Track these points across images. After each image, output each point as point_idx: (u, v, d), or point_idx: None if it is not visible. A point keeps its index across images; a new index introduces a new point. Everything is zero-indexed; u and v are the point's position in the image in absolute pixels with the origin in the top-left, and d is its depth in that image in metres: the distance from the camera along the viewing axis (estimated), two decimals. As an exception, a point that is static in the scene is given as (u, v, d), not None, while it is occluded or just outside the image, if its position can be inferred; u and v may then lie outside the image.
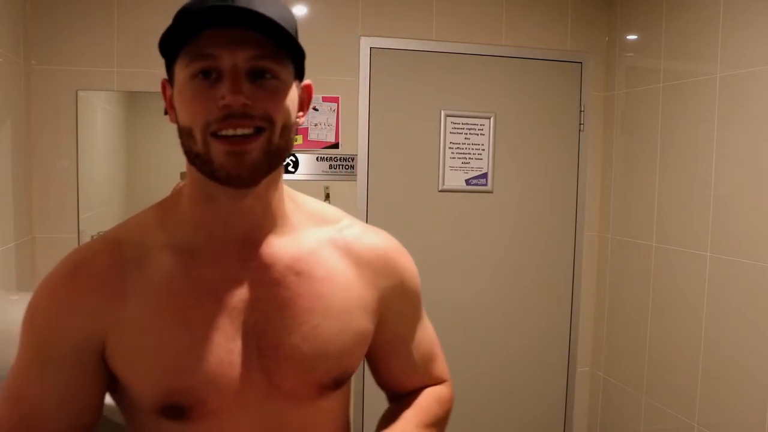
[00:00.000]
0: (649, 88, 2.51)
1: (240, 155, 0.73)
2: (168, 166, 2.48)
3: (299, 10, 2.47)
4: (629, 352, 2.63)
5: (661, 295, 2.45)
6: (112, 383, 0.81)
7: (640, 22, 2.58)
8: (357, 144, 2.55)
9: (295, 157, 2.47)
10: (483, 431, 2.77)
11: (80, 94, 2.30)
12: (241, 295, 0.80)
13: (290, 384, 0.80)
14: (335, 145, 2.52)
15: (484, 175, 2.70)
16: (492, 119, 2.69)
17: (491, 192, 2.71)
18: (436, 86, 2.63)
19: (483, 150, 2.69)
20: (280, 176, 0.83)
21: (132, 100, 2.40)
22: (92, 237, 2.39)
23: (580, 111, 2.78)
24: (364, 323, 0.86)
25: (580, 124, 2.78)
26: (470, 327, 2.70)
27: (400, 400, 0.98)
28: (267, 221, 0.83)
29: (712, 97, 2.18)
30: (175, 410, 0.77)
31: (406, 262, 0.94)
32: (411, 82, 2.61)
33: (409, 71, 2.60)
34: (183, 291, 0.78)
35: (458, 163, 2.67)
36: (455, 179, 2.67)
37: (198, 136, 0.74)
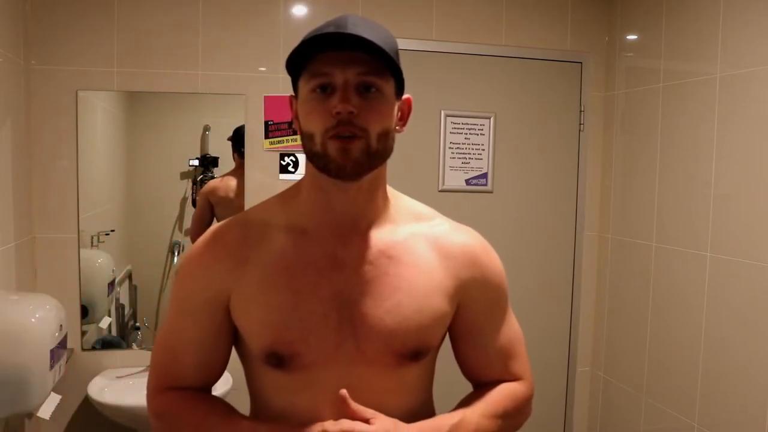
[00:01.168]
0: (649, 88, 2.51)
1: (346, 152, 0.90)
2: (168, 166, 2.48)
3: (299, 11, 2.47)
4: (629, 352, 2.63)
5: (661, 295, 2.45)
6: (236, 338, 1.01)
7: (640, 22, 2.58)
8: (357, 144, 2.54)
9: (296, 157, 2.47)
10: (483, 431, 2.77)
11: (80, 94, 2.30)
12: (339, 270, 0.96)
13: (373, 351, 0.95)
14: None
15: (484, 175, 2.70)
16: (492, 119, 2.69)
17: (491, 192, 2.71)
18: (436, 86, 2.63)
19: (483, 150, 2.69)
20: (382, 176, 1.00)
21: (132, 100, 2.40)
22: (92, 237, 2.39)
23: (580, 111, 2.78)
24: (442, 306, 0.99)
25: (580, 124, 2.78)
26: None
27: (476, 390, 1.08)
28: (368, 212, 0.99)
29: (712, 97, 2.18)
30: (276, 359, 0.94)
31: (489, 259, 1.07)
32: (411, 82, 2.56)
33: (409, 71, 2.55)
34: (292, 263, 0.96)
35: (458, 163, 2.67)
36: (455, 179, 2.67)
37: (318, 139, 0.91)
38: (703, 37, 2.22)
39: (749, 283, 2.03)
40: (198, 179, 2.47)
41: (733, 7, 2.10)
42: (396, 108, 0.98)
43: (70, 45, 2.28)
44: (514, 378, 1.09)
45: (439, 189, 2.66)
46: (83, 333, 2.38)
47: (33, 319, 1.69)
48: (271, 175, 2.46)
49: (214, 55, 2.38)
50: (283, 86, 2.42)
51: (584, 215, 2.82)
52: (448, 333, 1.07)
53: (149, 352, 2.34)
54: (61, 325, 1.81)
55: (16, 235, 2.08)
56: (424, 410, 1.04)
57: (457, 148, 2.66)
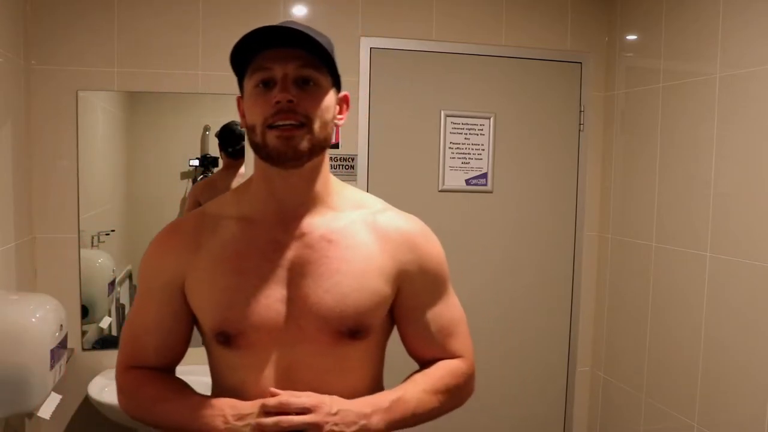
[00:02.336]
0: (649, 88, 2.51)
1: (287, 139, 0.97)
2: (168, 166, 2.48)
3: (299, 11, 2.47)
4: (629, 352, 2.63)
5: (661, 295, 2.45)
6: (195, 321, 1.09)
7: (640, 22, 2.58)
8: (357, 144, 2.55)
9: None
10: (483, 431, 2.77)
11: (80, 94, 2.30)
12: (283, 254, 1.03)
13: (313, 329, 1.01)
14: (335, 145, 2.52)
15: (484, 175, 2.70)
16: (492, 119, 2.69)
17: (491, 192, 2.71)
18: (436, 86, 2.63)
19: (483, 150, 2.69)
20: (322, 164, 1.06)
21: (132, 100, 2.40)
22: (92, 237, 2.39)
23: (580, 111, 2.78)
24: (380, 286, 1.05)
25: (580, 124, 2.78)
26: (470, 327, 2.70)
27: (419, 368, 1.14)
28: (310, 199, 1.06)
29: (712, 97, 2.18)
30: (224, 337, 1.02)
31: (428, 243, 1.12)
32: (411, 82, 2.61)
33: (409, 71, 2.60)
34: (239, 249, 1.04)
35: (458, 163, 2.67)
36: (455, 179, 2.67)
37: (258, 129, 0.98)
38: (703, 37, 2.22)
39: (749, 283, 2.03)
40: (198, 179, 2.47)
41: (733, 7, 2.10)
42: (335, 101, 1.05)
43: (70, 45, 2.28)
44: (454, 356, 1.15)
45: (439, 189, 2.66)
46: (83, 333, 2.38)
47: (33, 319, 1.69)
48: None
49: (214, 55, 2.38)
50: (283, 86, 2.41)
51: (584, 215, 2.82)
52: (393, 316, 1.12)
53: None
54: (61, 325, 1.81)
55: (16, 235, 2.08)
56: (369, 393, 1.07)
57: (457, 148, 2.66)
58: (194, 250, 1.06)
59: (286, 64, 0.97)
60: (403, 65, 2.59)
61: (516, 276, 2.77)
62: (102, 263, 2.44)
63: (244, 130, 1.07)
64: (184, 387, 1.09)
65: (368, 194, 1.17)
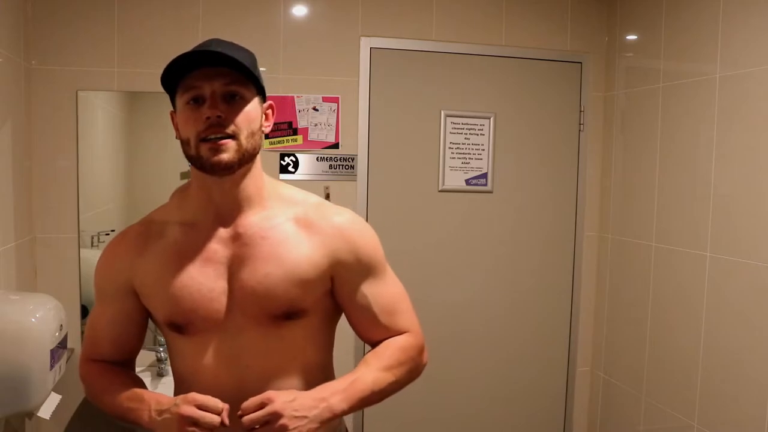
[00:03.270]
0: (648, 88, 2.51)
1: (218, 151, 1.07)
2: (168, 166, 2.48)
3: (299, 11, 2.47)
4: (629, 352, 2.63)
5: (661, 295, 2.45)
6: (150, 315, 1.22)
7: (640, 22, 2.58)
8: (357, 144, 2.55)
9: (296, 157, 2.47)
10: (483, 431, 2.77)
11: (80, 94, 2.30)
12: (221, 252, 1.15)
13: (252, 314, 1.13)
14: (335, 145, 2.52)
15: (484, 175, 2.70)
16: (492, 119, 2.69)
17: (491, 192, 2.71)
18: (436, 86, 2.63)
19: (483, 150, 2.69)
20: (252, 169, 1.15)
21: (132, 100, 2.40)
22: (92, 237, 2.39)
23: (580, 111, 2.78)
24: (311, 274, 1.15)
25: (580, 124, 2.78)
26: (470, 327, 2.70)
27: (371, 350, 1.22)
28: (243, 202, 1.16)
29: (711, 97, 2.18)
30: (175, 327, 1.15)
31: (358, 231, 1.21)
32: (411, 82, 2.61)
33: (409, 71, 2.60)
34: (182, 250, 1.15)
35: (458, 163, 2.67)
36: (455, 179, 2.67)
37: (192, 143, 1.09)
38: (703, 37, 2.22)
39: (749, 283, 2.03)
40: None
41: (733, 7, 2.10)
42: (261, 111, 1.14)
43: (70, 45, 2.28)
44: (401, 332, 1.22)
45: (439, 189, 2.66)
46: (83, 333, 2.38)
47: (33, 319, 1.69)
48: (271, 175, 2.44)
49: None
50: (283, 86, 2.42)
51: (584, 215, 2.82)
52: (339, 305, 1.23)
53: (150, 352, 2.34)
54: (61, 325, 1.81)
55: (16, 235, 2.08)
56: (318, 368, 1.21)
57: (457, 148, 2.66)
58: (141, 254, 1.17)
59: (213, 82, 1.07)
60: (403, 65, 2.59)
61: (516, 276, 2.77)
62: (102, 263, 2.43)
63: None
64: (128, 381, 1.20)
65: (302, 191, 1.25)
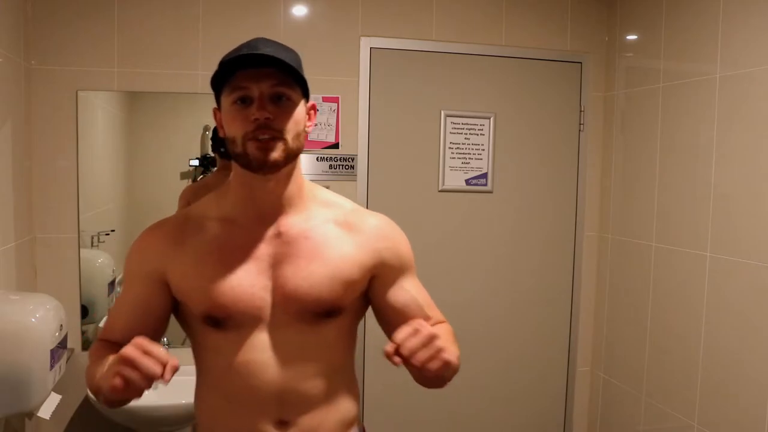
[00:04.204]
0: (649, 88, 2.51)
1: (265, 150, 1.09)
2: (168, 166, 2.48)
3: (299, 11, 2.47)
4: (629, 352, 2.63)
5: (661, 295, 2.45)
6: (176, 309, 1.21)
7: (640, 22, 2.58)
8: (357, 144, 2.55)
9: (295, 157, 2.47)
10: (483, 431, 2.77)
11: (80, 94, 2.30)
12: (263, 250, 1.16)
13: (293, 311, 1.14)
14: (335, 145, 2.52)
15: (484, 175, 2.70)
16: (492, 119, 2.69)
17: (491, 192, 2.71)
18: (436, 86, 2.63)
19: (483, 150, 2.69)
20: (295, 170, 1.18)
21: (132, 100, 2.40)
22: (92, 237, 2.39)
23: (580, 111, 2.78)
24: (351, 273, 1.18)
25: (580, 124, 2.78)
26: (470, 327, 2.70)
27: None
28: (284, 202, 1.18)
29: (711, 97, 2.18)
30: (213, 320, 1.14)
31: (397, 233, 1.27)
32: (411, 82, 2.61)
33: (409, 71, 2.60)
34: (222, 245, 1.16)
35: (458, 163, 2.67)
36: (455, 179, 2.67)
37: (239, 141, 1.10)
38: (703, 37, 2.22)
39: (749, 283, 2.03)
40: (198, 179, 2.47)
41: (733, 7, 2.10)
42: (305, 112, 1.16)
43: (70, 45, 2.28)
44: (438, 321, 1.26)
45: (439, 189, 2.66)
46: (83, 333, 2.39)
47: (33, 319, 1.69)
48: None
49: (214, 55, 2.34)
50: (283, 86, 2.41)
51: (584, 215, 2.82)
52: (374, 308, 1.26)
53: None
54: (61, 325, 1.81)
55: (16, 235, 2.08)
56: (343, 368, 1.24)
57: (457, 148, 2.66)
58: (178, 246, 1.17)
59: (261, 84, 1.09)
60: (403, 65, 2.59)
61: (516, 276, 2.77)
62: (102, 263, 2.44)
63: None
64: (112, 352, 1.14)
65: (338, 195, 1.29)
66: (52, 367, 1.73)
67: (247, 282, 1.14)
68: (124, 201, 2.49)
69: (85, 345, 2.38)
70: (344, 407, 1.22)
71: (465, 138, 2.67)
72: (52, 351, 1.73)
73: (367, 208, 2.66)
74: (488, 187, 2.71)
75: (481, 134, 2.68)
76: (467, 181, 2.69)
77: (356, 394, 1.27)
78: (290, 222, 1.18)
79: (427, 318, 1.22)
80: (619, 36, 2.71)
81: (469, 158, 2.68)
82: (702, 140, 2.23)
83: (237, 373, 1.14)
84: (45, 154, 2.29)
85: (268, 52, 1.07)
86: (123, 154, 2.49)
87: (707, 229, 2.20)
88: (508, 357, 2.78)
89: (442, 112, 2.64)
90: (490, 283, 2.74)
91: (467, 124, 2.67)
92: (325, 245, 1.17)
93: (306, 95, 1.16)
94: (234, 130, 1.10)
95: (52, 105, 2.28)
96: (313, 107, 1.21)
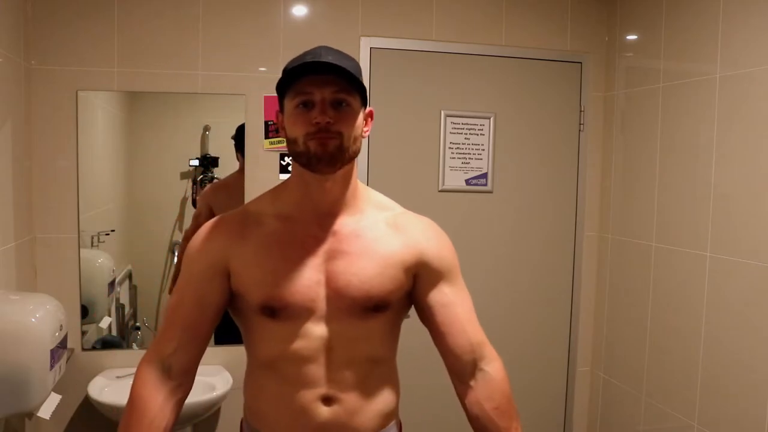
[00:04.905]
0: (648, 88, 2.51)
1: (325, 145, 1.15)
2: (168, 166, 2.48)
3: (299, 11, 2.47)
4: (629, 352, 2.63)
5: (661, 295, 2.45)
6: (232, 301, 1.26)
7: (640, 22, 2.58)
8: (357, 144, 2.54)
9: (295, 157, 2.47)
10: (483, 431, 2.77)
11: (80, 94, 2.30)
12: (318, 246, 1.22)
13: (345, 305, 1.20)
14: (335, 145, 2.52)
15: (484, 175, 2.70)
16: (492, 119, 2.69)
17: (491, 192, 2.71)
18: (436, 86, 2.63)
19: (483, 150, 2.69)
20: (352, 173, 1.25)
21: (132, 100, 2.41)
22: (92, 237, 2.39)
23: (580, 111, 2.78)
24: (398, 272, 1.24)
25: (580, 124, 2.78)
26: (470, 327, 2.70)
27: (472, 393, 1.33)
28: (341, 201, 1.25)
29: (711, 97, 2.18)
30: (269, 310, 1.20)
31: (442, 236, 1.34)
32: (411, 82, 2.61)
33: (409, 71, 2.60)
34: (282, 239, 1.23)
35: (458, 163, 2.67)
36: (455, 179, 2.67)
37: (300, 140, 1.17)
38: (703, 37, 2.22)
39: (749, 283, 2.03)
40: (198, 179, 2.47)
41: (733, 7, 2.10)
42: (362, 117, 1.22)
43: (70, 45, 2.28)
44: (476, 341, 1.33)
45: (439, 189, 2.66)
46: (83, 333, 2.38)
47: (33, 319, 1.69)
48: (272, 175, 2.46)
49: (214, 55, 2.38)
50: (283, 86, 2.41)
51: (584, 215, 2.82)
52: (414, 304, 1.31)
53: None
54: (61, 325, 1.81)
55: (16, 235, 2.08)
56: (386, 361, 1.29)
57: (457, 148, 2.66)
58: (240, 238, 1.23)
59: (323, 90, 1.15)
60: (403, 65, 2.59)
61: (516, 276, 2.77)
62: (102, 263, 2.44)
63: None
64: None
65: (390, 199, 1.35)
66: (52, 367, 1.73)
67: (304, 276, 1.20)
68: (124, 201, 2.49)
69: (85, 345, 2.39)
70: (385, 399, 1.28)
71: (465, 138, 2.67)
72: (52, 351, 1.73)
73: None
74: (488, 187, 2.71)
75: (481, 134, 2.68)
76: (467, 181, 2.69)
77: (397, 389, 1.33)
78: (344, 221, 1.25)
79: (465, 335, 1.31)
80: (619, 36, 2.71)
81: (469, 158, 2.68)
82: (702, 140, 2.23)
83: (289, 358, 1.21)
84: (45, 154, 2.29)
85: (330, 60, 1.14)
86: (123, 154, 2.49)
87: (707, 229, 2.20)
88: (508, 357, 2.75)
89: (442, 112, 2.64)
90: (490, 283, 2.74)
91: (467, 124, 2.67)
92: (376, 242, 1.24)
93: (364, 102, 1.22)
94: (296, 131, 1.17)
95: (52, 105, 2.28)
96: (371, 114, 1.27)
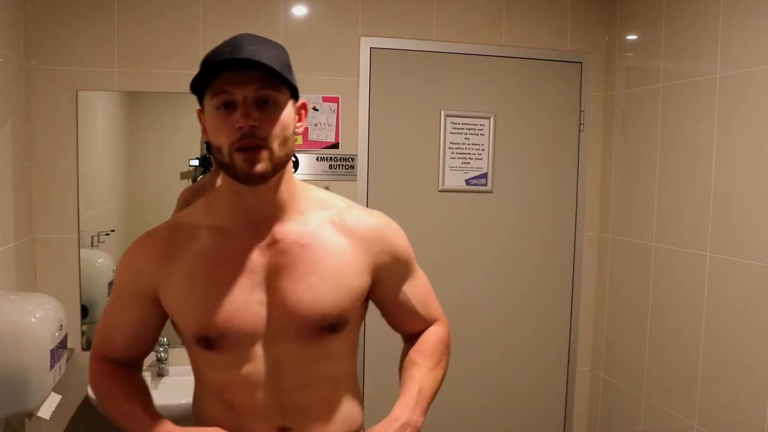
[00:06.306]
0: (648, 88, 2.51)
1: (253, 162, 1.03)
2: (168, 166, 2.48)
3: (299, 11, 2.47)
4: (629, 352, 2.63)
5: (661, 295, 2.45)
6: (173, 323, 1.16)
7: (640, 22, 2.58)
8: (357, 144, 2.55)
9: (295, 157, 2.47)
10: (483, 431, 2.77)
11: (80, 94, 2.30)
12: (257, 261, 1.10)
13: (295, 327, 1.08)
14: (335, 145, 2.52)
15: (484, 175, 2.70)
16: (492, 119, 2.69)
17: (491, 192, 2.71)
18: (436, 86, 2.63)
19: (483, 150, 2.69)
20: (286, 174, 1.11)
21: (132, 100, 2.40)
22: (92, 237, 2.39)
23: (580, 111, 2.78)
24: (355, 281, 1.13)
25: (580, 124, 2.78)
26: (470, 327, 2.70)
27: (410, 342, 1.25)
28: (277, 208, 1.11)
29: (711, 97, 2.18)
30: (205, 341, 1.08)
31: (393, 232, 1.21)
32: (411, 82, 2.61)
33: (409, 71, 2.60)
34: (214, 258, 1.10)
35: (458, 163, 2.67)
36: (455, 179, 2.67)
37: (225, 151, 1.04)
38: (703, 37, 2.22)
39: (749, 283, 2.03)
40: (198, 179, 2.47)
41: (733, 7, 2.10)
42: (293, 113, 1.09)
43: (70, 45, 2.28)
44: (434, 320, 1.28)
45: (439, 189, 2.66)
46: (83, 333, 2.38)
47: (33, 319, 1.69)
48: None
49: (214, 55, 2.37)
50: (283, 86, 2.41)
51: (584, 215, 2.82)
52: (374, 303, 1.23)
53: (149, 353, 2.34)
54: (61, 325, 1.81)
55: (16, 235, 2.08)
56: (347, 376, 1.20)
57: (457, 148, 2.66)
58: (168, 260, 1.11)
59: (245, 88, 1.02)
60: (403, 65, 2.58)
61: (516, 276, 2.77)
62: (102, 263, 2.44)
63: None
64: (134, 392, 1.16)
65: (332, 194, 1.23)
66: (52, 367, 1.73)
67: (240, 298, 1.08)
68: (124, 201, 2.49)
69: (86, 345, 2.38)
70: (348, 414, 1.19)
71: (465, 138, 2.67)
72: (52, 351, 1.73)
73: (367, 208, 2.69)
74: (488, 187, 2.71)
75: (481, 134, 2.68)
76: (467, 181, 2.69)
77: (360, 401, 1.24)
78: (285, 229, 1.11)
79: (417, 319, 1.25)
80: (619, 36, 2.71)
81: (469, 158, 2.68)
82: (702, 140, 2.23)
83: (236, 386, 1.10)
84: (45, 154, 2.29)
85: (251, 54, 1.01)
86: (123, 154, 2.48)
87: (707, 229, 2.20)
88: (508, 357, 2.78)
89: (442, 112, 2.64)
90: (490, 283, 2.74)
91: (467, 124, 2.67)
92: (324, 253, 1.11)
93: (295, 95, 1.10)
94: (219, 138, 1.04)
95: (52, 105, 2.28)
96: (303, 106, 1.14)
